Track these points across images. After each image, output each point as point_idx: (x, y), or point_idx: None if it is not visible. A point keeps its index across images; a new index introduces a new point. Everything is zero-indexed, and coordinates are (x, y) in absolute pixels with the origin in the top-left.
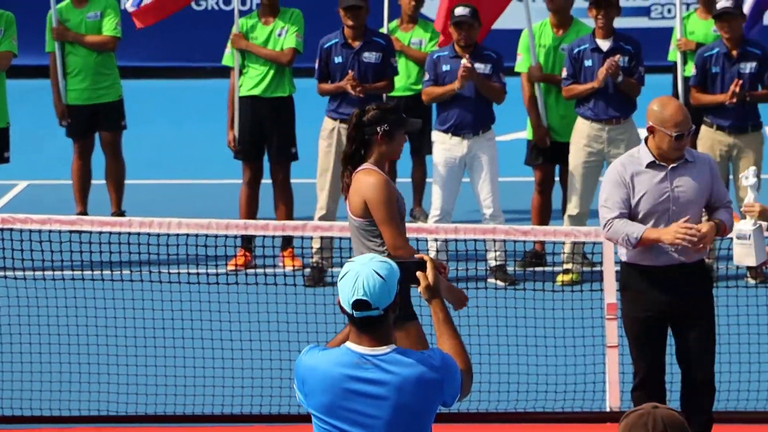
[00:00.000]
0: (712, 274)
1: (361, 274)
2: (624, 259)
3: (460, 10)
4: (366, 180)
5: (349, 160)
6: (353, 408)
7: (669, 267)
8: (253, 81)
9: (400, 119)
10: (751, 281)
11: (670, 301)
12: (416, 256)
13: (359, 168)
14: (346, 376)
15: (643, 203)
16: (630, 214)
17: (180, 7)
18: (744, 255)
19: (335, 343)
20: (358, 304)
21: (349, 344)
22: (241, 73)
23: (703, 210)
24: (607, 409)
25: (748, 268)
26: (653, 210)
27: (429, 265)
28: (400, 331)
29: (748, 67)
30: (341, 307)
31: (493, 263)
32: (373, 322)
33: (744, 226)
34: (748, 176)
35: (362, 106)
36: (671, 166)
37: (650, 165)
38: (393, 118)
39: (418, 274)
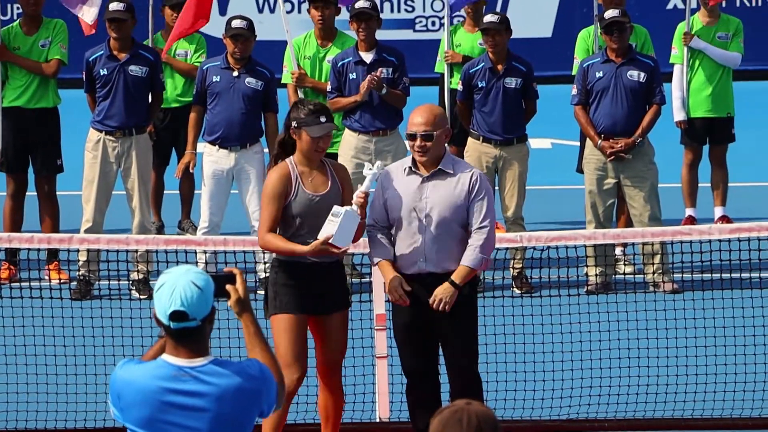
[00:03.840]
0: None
1: (178, 285)
2: None
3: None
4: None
5: (280, 146)
6: (172, 421)
7: (419, 275)
8: (16, 92)
9: (301, 119)
10: (517, 291)
11: (426, 309)
12: (225, 269)
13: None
14: (163, 389)
15: (392, 209)
16: (388, 220)
17: None
18: (328, 231)
19: (150, 357)
20: (175, 315)
21: (165, 357)
22: (3, 84)
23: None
24: (377, 420)
25: (514, 278)
26: (403, 217)
27: (239, 279)
28: (340, 313)
29: (513, 82)
30: (157, 320)
31: (262, 275)
32: (191, 333)
33: (343, 208)
34: (371, 168)
35: (127, 120)
36: (425, 174)
37: (409, 172)
38: (295, 116)
39: (228, 287)
